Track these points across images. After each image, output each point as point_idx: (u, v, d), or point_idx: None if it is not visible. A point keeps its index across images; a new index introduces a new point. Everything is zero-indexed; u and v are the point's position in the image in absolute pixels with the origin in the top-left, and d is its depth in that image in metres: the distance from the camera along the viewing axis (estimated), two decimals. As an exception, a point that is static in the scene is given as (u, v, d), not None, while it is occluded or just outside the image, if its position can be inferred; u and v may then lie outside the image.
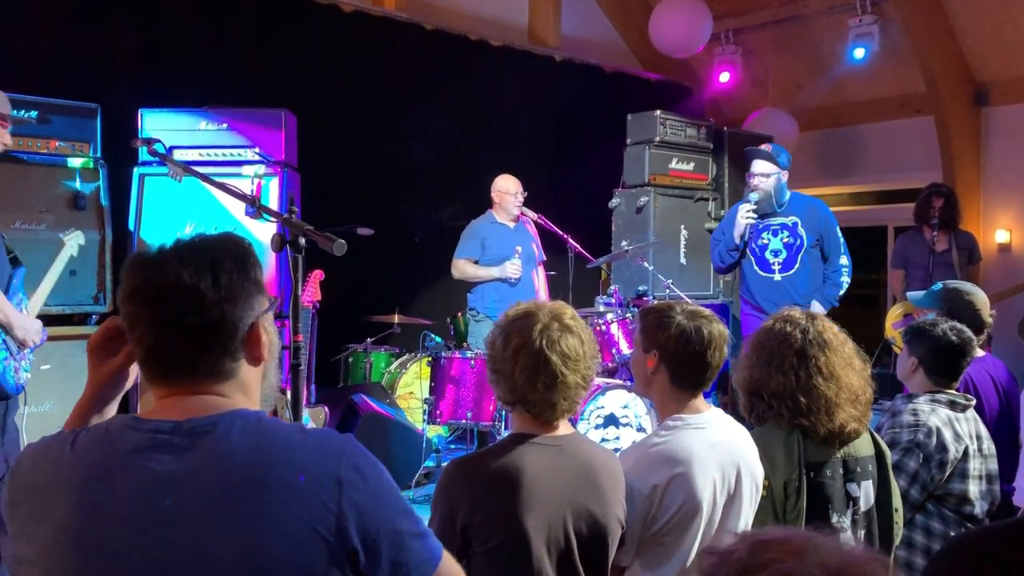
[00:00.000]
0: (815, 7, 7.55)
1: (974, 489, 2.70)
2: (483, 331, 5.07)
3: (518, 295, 4.98)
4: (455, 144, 6.78)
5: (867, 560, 0.86)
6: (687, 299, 4.62)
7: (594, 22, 8.53)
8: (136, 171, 4.81)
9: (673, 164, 6.46)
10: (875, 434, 2.36)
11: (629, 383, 4.54)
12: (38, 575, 1.16)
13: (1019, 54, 6.90)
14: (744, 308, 4.93)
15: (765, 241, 4.75)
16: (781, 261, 4.67)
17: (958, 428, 2.71)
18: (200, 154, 4.84)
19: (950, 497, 2.69)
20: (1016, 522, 1.21)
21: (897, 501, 2.32)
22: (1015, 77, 7.04)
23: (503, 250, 5.21)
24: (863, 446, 2.27)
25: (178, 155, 4.63)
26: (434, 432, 5.11)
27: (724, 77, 8.20)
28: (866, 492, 2.25)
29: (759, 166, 4.68)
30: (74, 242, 4.00)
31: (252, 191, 4.61)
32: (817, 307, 4.54)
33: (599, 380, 4.51)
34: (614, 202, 6.38)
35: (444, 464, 3.65)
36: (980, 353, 3.25)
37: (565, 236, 5.22)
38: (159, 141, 2.91)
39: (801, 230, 4.67)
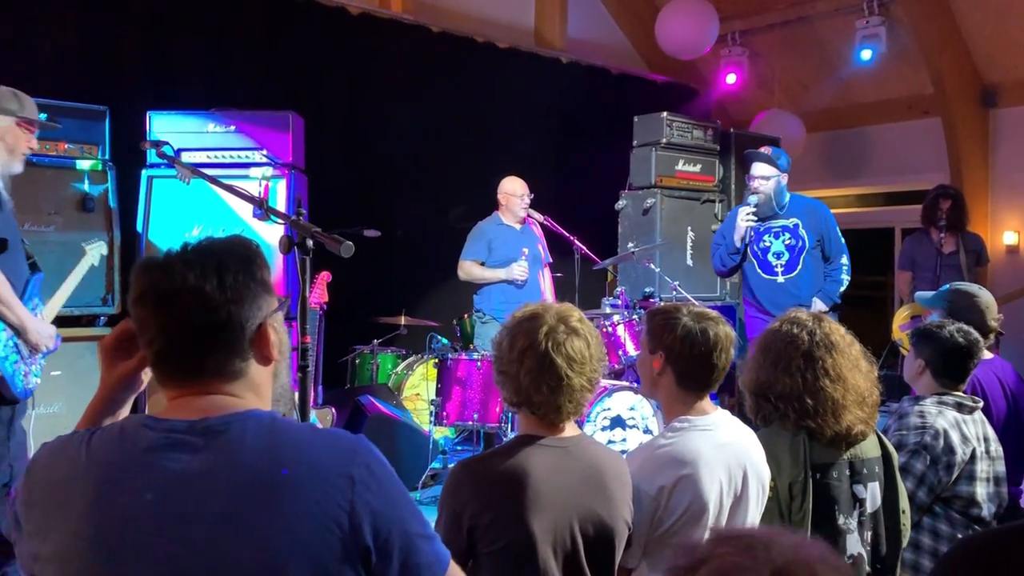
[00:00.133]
0: (822, 8, 7.54)
1: (981, 491, 2.69)
2: (489, 333, 5.08)
3: (524, 297, 4.99)
4: (461, 146, 6.79)
5: (815, 560, 0.86)
6: (694, 301, 4.62)
7: (600, 24, 8.54)
8: (144, 173, 4.83)
9: (680, 166, 6.46)
10: (882, 436, 2.35)
11: (636, 385, 4.54)
12: (54, 573, 1.17)
13: (1027, 55, 6.89)
14: (748, 311, 4.93)
15: (767, 244, 4.75)
16: (783, 263, 4.67)
17: (965, 430, 2.70)
18: (208, 156, 4.85)
19: (957, 499, 2.69)
20: (1024, 524, 1.21)
21: (904, 503, 2.32)
22: (1023, 78, 7.03)
23: (509, 252, 5.21)
24: (870, 448, 2.27)
25: (186, 157, 4.64)
26: (440, 434, 5.12)
27: (731, 79, 8.20)
28: (872, 494, 2.24)
29: (759, 169, 4.69)
30: (96, 252, 3.99)
31: (260, 193, 4.63)
32: (819, 304, 4.54)
33: (605, 382, 4.51)
34: (620, 204, 6.38)
35: (451, 465, 3.66)
36: (988, 355, 3.24)
37: (571, 238, 5.22)
38: (167, 143, 2.94)
39: (802, 231, 4.67)
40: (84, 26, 5.28)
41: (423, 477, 4.65)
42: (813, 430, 2.17)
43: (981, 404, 2.81)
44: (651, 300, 5.64)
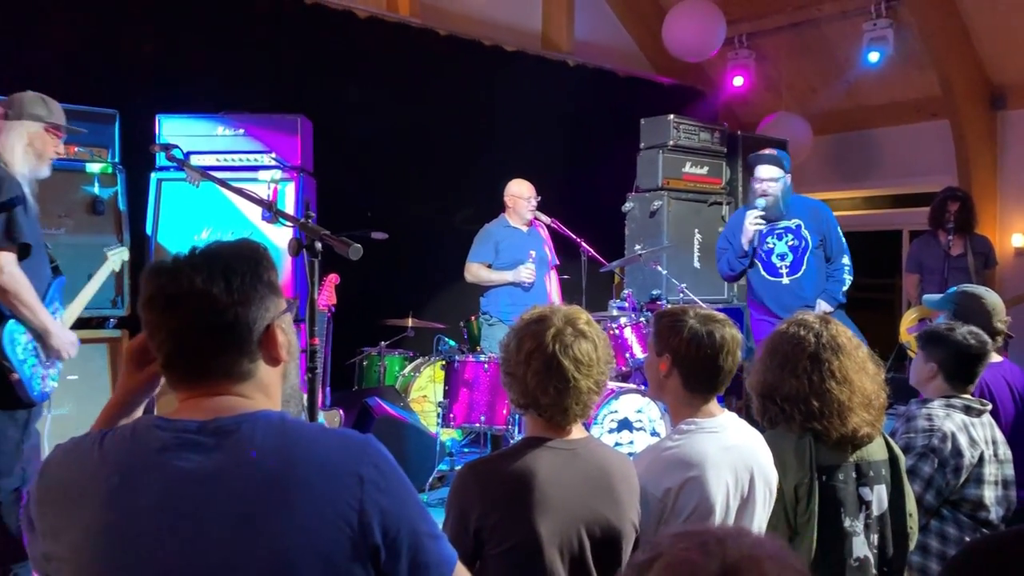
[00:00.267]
0: (829, 11, 7.53)
1: (989, 494, 2.69)
2: (496, 335, 5.09)
3: (531, 299, 5.00)
4: (469, 148, 6.80)
5: (765, 557, 0.86)
6: (701, 303, 4.63)
7: (607, 27, 8.55)
8: (154, 176, 4.86)
9: (687, 168, 6.46)
10: (889, 439, 2.35)
11: (643, 387, 4.54)
12: (68, 572, 1.19)
13: (1035, 57, 6.87)
14: (754, 314, 4.91)
15: (771, 245, 4.75)
16: (788, 264, 4.66)
17: (973, 433, 2.69)
18: (217, 159, 4.87)
19: (965, 502, 2.68)
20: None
21: (911, 506, 2.32)
22: (1032, 80, 7.02)
23: (517, 254, 5.22)
24: (876, 450, 2.27)
25: (195, 160, 4.66)
26: (448, 435, 5.13)
27: (738, 81, 8.19)
28: (879, 496, 2.24)
29: (767, 171, 4.67)
30: (117, 258, 4.01)
31: (268, 196, 4.64)
32: (824, 305, 4.53)
33: (613, 384, 4.51)
34: (627, 206, 6.38)
35: (458, 467, 3.67)
36: (997, 358, 3.24)
37: (578, 240, 5.23)
38: (177, 146, 2.95)
39: (805, 232, 4.66)
40: (94, 29, 5.31)
41: (430, 479, 4.66)
42: (819, 432, 2.17)
43: (989, 407, 2.80)
44: (658, 302, 5.64)
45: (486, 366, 4.60)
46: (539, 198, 5.34)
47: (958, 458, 2.62)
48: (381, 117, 6.33)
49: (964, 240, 5.92)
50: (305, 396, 2.31)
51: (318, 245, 2.22)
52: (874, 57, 7.13)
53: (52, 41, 5.13)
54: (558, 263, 5.55)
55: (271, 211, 2.53)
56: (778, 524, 2.14)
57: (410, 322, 5.82)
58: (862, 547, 2.20)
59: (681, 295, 5.37)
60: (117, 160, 4.72)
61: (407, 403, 5.25)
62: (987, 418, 2.78)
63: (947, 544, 2.65)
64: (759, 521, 2.08)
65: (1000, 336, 3.25)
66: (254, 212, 4.54)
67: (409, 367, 5.73)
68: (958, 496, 2.67)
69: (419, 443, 4.72)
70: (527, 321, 1.93)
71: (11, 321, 2.97)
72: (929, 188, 6.93)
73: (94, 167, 4.60)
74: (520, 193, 5.31)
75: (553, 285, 5.48)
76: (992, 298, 3.29)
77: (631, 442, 4.39)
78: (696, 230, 6.43)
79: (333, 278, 4.58)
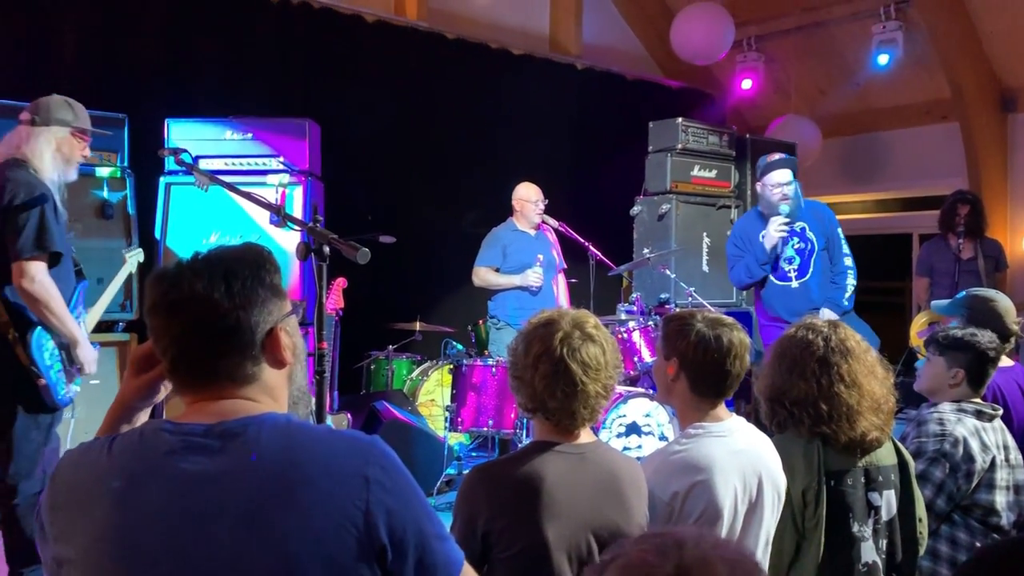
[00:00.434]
0: (838, 13, 7.51)
1: (1001, 500, 2.67)
2: (504, 339, 5.08)
3: (539, 303, 4.99)
4: (476, 152, 6.81)
5: (718, 561, 0.87)
6: (709, 307, 4.61)
7: (615, 30, 8.55)
8: (162, 180, 4.88)
9: (695, 171, 6.44)
10: (898, 443, 2.34)
11: (652, 392, 4.53)
12: (78, 575, 1.20)
13: (1046, 59, 6.83)
14: (761, 320, 4.86)
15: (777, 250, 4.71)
16: (796, 267, 4.63)
17: (985, 438, 2.68)
18: (225, 163, 4.89)
19: (977, 508, 2.66)
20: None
21: (921, 511, 2.30)
22: (1042, 83, 6.98)
23: (524, 258, 5.22)
24: (885, 455, 2.26)
25: (204, 164, 4.68)
26: (455, 439, 5.13)
27: (746, 84, 8.17)
28: (888, 502, 2.23)
29: (782, 175, 4.61)
30: (134, 260, 4.04)
31: (277, 200, 4.65)
32: (829, 314, 4.48)
33: (621, 388, 4.50)
34: (635, 210, 6.37)
35: (465, 471, 3.66)
36: (1008, 362, 3.22)
37: (586, 244, 5.22)
38: (186, 151, 2.95)
39: (810, 234, 4.63)
40: (103, 34, 5.34)
41: (438, 483, 4.66)
42: (827, 436, 2.16)
43: (1000, 412, 2.78)
44: (667, 306, 5.63)
45: (494, 370, 4.59)
46: (547, 201, 5.34)
47: (969, 463, 2.60)
48: (389, 121, 6.34)
49: (974, 243, 5.89)
50: (313, 399, 2.31)
51: (326, 249, 2.22)
52: (883, 60, 7.10)
53: (61, 46, 5.17)
54: (565, 267, 5.54)
55: (279, 215, 2.53)
56: (786, 529, 2.13)
57: (418, 326, 5.83)
58: (871, 552, 2.19)
59: (690, 299, 5.35)
60: (126, 164, 4.75)
61: (415, 407, 5.25)
62: (998, 423, 2.76)
63: (958, 550, 2.63)
64: (768, 526, 2.07)
65: (1012, 339, 3.23)
66: (262, 216, 4.55)
67: (417, 371, 5.73)
68: (969, 501, 2.65)
69: (427, 447, 4.72)
70: (535, 325, 1.93)
71: (39, 327, 3.00)
72: (939, 191, 6.90)
73: (103, 171, 4.63)
74: (528, 196, 5.30)
75: (561, 289, 5.47)
76: (1004, 300, 3.27)
77: (639, 446, 4.38)
78: (704, 233, 6.42)
79: (341, 282, 4.59)
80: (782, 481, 2.11)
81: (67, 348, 3.09)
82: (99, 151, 4.62)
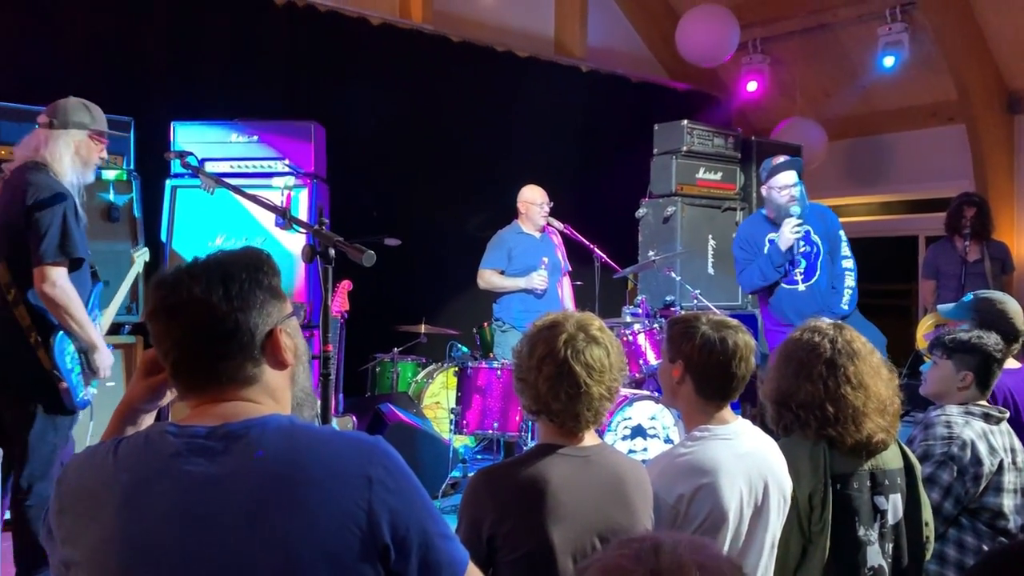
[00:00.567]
0: (844, 16, 7.50)
1: (1009, 503, 2.65)
2: (509, 341, 5.08)
3: (543, 306, 4.99)
4: (481, 155, 6.81)
5: (691, 565, 0.88)
6: (715, 309, 4.60)
7: (620, 32, 8.55)
8: (168, 183, 4.89)
9: (700, 174, 6.44)
10: (904, 447, 2.33)
11: (657, 394, 4.52)
12: None
13: (1053, 61, 6.81)
14: (767, 324, 4.84)
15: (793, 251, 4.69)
16: (802, 270, 4.61)
17: (992, 441, 2.67)
18: (231, 166, 4.91)
19: (984, 511, 2.65)
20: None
21: (927, 514, 2.29)
22: (1049, 84, 6.96)
23: (529, 260, 5.22)
24: (891, 458, 2.25)
25: (209, 167, 4.69)
26: (460, 442, 5.12)
27: (751, 86, 8.16)
28: (894, 505, 2.22)
29: (789, 177, 4.59)
30: (141, 259, 4.09)
31: (282, 202, 4.66)
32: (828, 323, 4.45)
33: (626, 391, 4.50)
34: (640, 212, 6.37)
35: (470, 474, 3.66)
36: (1015, 364, 3.20)
37: (591, 246, 5.22)
38: (191, 154, 2.97)
39: (815, 237, 4.62)
40: (108, 37, 5.36)
41: (443, 485, 4.65)
42: (834, 438, 2.16)
43: (1008, 415, 2.77)
44: (672, 309, 5.62)
45: (499, 372, 4.59)
46: (552, 204, 5.34)
47: (977, 466, 2.59)
48: (394, 123, 6.36)
49: (981, 245, 5.87)
50: (319, 401, 2.31)
51: (331, 252, 2.22)
52: (889, 61, 7.09)
53: (67, 49, 5.19)
54: (570, 269, 5.54)
55: (285, 218, 2.54)
56: (792, 533, 2.12)
57: (423, 328, 5.83)
58: (876, 556, 2.18)
59: (695, 301, 5.34)
60: (132, 167, 4.76)
61: (420, 409, 5.25)
62: (1005, 426, 2.75)
63: (965, 553, 2.62)
64: (773, 529, 2.06)
65: (1020, 340, 3.22)
66: (268, 219, 4.56)
67: (422, 373, 5.73)
68: (977, 505, 2.64)
69: (432, 450, 4.72)
70: (539, 327, 1.93)
71: (62, 331, 3.01)
72: (945, 193, 6.88)
73: (109, 174, 4.64)
74: (533, 199, 5.30)
75: (566, 291, 5.47)
76: (1012, 303, 3.26)
77: (645, 449, 4.37)
78: (710, 236, 6.41)
79: (346, 284, 4.59)
80: (788, 484, 2.10)
81: (85, 352, 3.11)
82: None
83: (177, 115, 5.01)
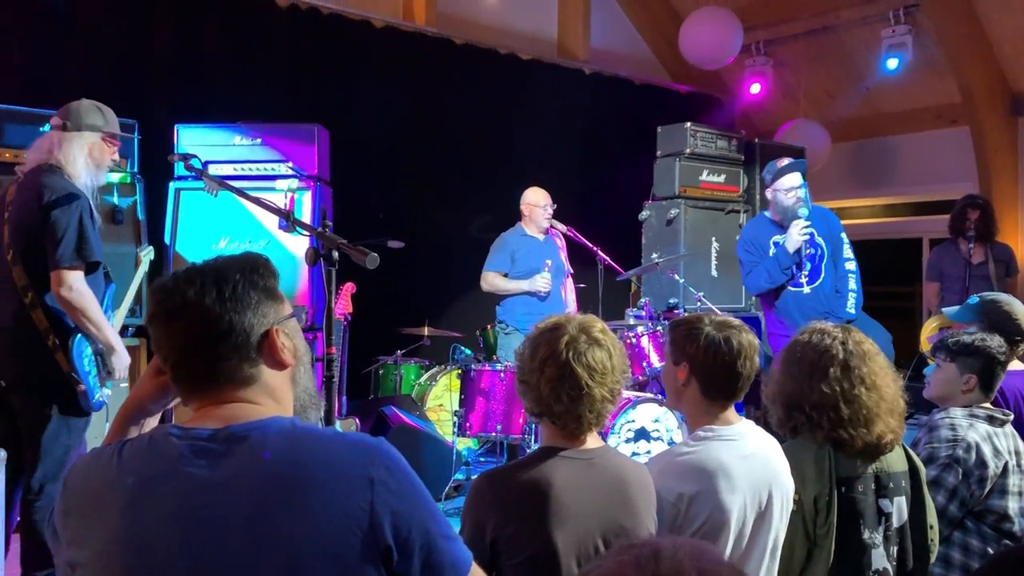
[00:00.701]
0: (847, 18, 7.49)
1: (1014, 506, 2.65)
2: (512, 344, 5.08)
3: (547, 308, 4.99)
4: (485, 157, 6.82)
5: (691, 571, 0.88)
6: (718, 311, 4.59)
7: (623, 35, 8.55)
8: (172, 185, 4.90)
9: (704, 176, 6.43)
10: (909, 449, 2.33)
11: (660, 397, 4.51)
12: None
13: (1057, 63, 6.80)
14: (771, 328, 4.82)
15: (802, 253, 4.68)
16: (807, 273, 4.60)
17: (997, 443, 2.66)
18: (235, 168, 4.91)
19: (989, 514, 2.64)
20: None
21: (932, 517, 2.29)
22: (1053, 86, 6.95)
23: (533, 263, 5.21)
24: (896, 461, 2.24)
25: (213, 170, 4.69)
26: (464, 445, 5.12)
27: (755, 88, 8.16)
28: (899, 508, 2.22)
29: (794, 179, 4.58)
30: (146, 259, 4.14)
31: (286, 205, 4.68)
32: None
33: (629, 393, 4.49)
34: (644, 214, 6.37)
35: (474, 477, 3.66)
36: (1020, 366, 3.19)
37: (595, 249, 5.21)
38: (195, 156, 2.97)
39: (819, 240, 4.61)
40: (112, 40, 5.37)
41: (446, 488, 4.65)
42: (844, 440, 2.15)
43: (1012, 417, 2.76)
44: (675, 311, 5.61)
45: (502, 375, 4.59)
46: (555, 206, 5.34)
47: (982, 469, 2.58)
48: (397, 126, 6.36)
49: (985, 248, 5.87)
50: (323, 403, 2.31)
51: (335, 254, 2.22)
52: (893, 64, 7.09)
53: (71, 52, 5.20)
54: (572, 271, 5.53)
55: (288, 220, 2.54)
56: (797, 536, 2.12)
57: (426, 331, 5.83)
58: (881, 559, 2.17)
59: (699, 303, 5.34)
60: (136, 170, 4.77)
61: (423, 412, 5.25)
62: (1010, 428, 2.75)
63: (970, 556, 2.61)
64: (776, 531, 2.06)
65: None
66: (271, 221, 4.57)
67: (425, 376, 5.74)
68: (982, 507, 2.63)
69: (435, 452, 4.72)
70: (542, 329, 1.93)
71: (79, 333, 3.02)
72: (949, 195, 6.88)
73: (113, 177, 4.64)
74: (536, 201, 5.30)
75: (569, 294, 5.46)
76: (1018, 305, 3.25)
77: (648, 452, 4.36)
78: (713, 238, 6.40)
79: (349, 287, 4.59)
80: (791, 486, 2.10)
81: (102, 354, 3.12)
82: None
83: (181, 118, 5.02)
